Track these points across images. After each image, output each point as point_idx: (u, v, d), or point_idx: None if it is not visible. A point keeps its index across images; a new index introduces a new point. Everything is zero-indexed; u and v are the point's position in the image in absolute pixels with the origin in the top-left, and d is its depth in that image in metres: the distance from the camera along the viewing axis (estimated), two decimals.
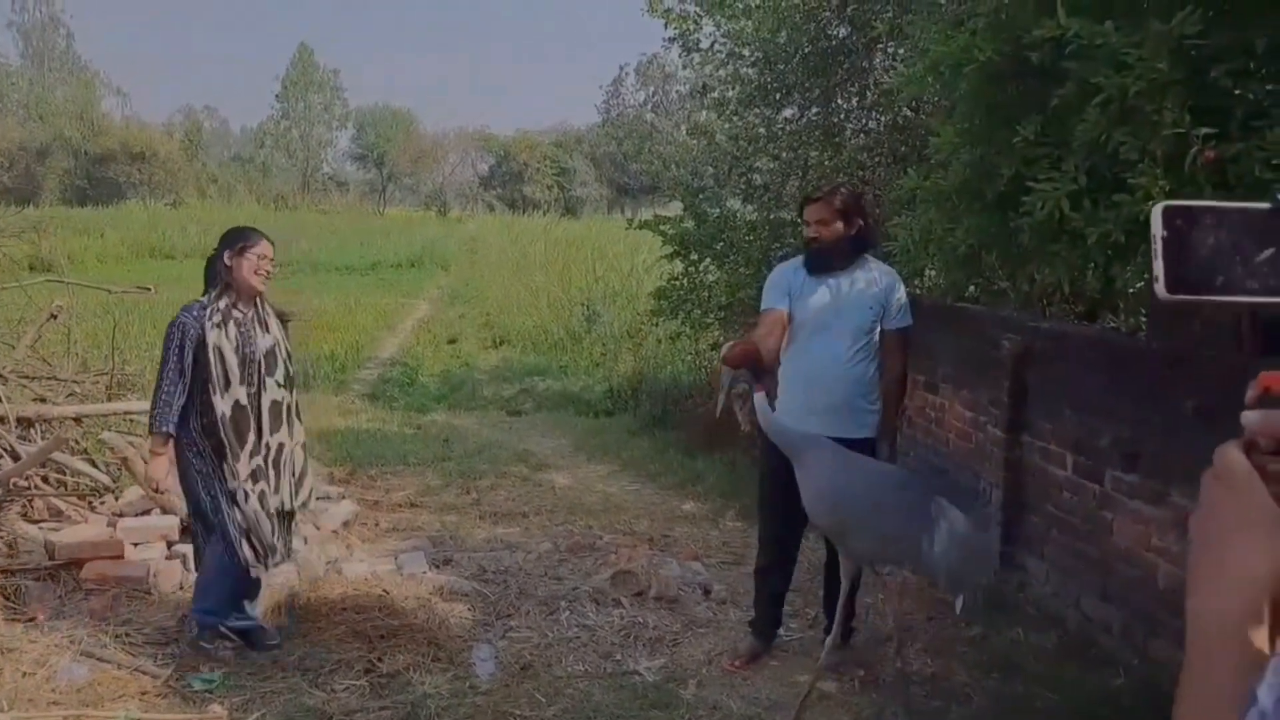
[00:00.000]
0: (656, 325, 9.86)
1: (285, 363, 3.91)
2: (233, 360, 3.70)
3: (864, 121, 6.92)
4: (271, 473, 3.82)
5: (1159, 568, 3.60)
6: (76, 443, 5.80)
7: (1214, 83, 2.56)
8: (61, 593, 4.40)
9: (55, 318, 7.10)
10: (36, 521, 4.97)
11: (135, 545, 4.76)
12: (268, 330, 3.87)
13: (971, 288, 5.27)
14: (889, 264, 4.14)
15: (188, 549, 4.80)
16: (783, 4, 6.51)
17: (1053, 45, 2.79)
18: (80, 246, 23.59)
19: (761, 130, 7.47)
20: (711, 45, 7.63)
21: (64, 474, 5.48)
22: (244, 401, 3.73)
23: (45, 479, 5.36)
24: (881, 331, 3.70)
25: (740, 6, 7.21)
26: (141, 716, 3.25)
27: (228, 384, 3.69)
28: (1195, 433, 3.34)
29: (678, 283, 8.14)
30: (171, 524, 4.91)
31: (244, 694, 3.60)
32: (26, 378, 6.45)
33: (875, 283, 3.68)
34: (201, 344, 3.66)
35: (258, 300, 3.89)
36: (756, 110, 7.40)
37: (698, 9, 7.51)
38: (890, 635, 3.61)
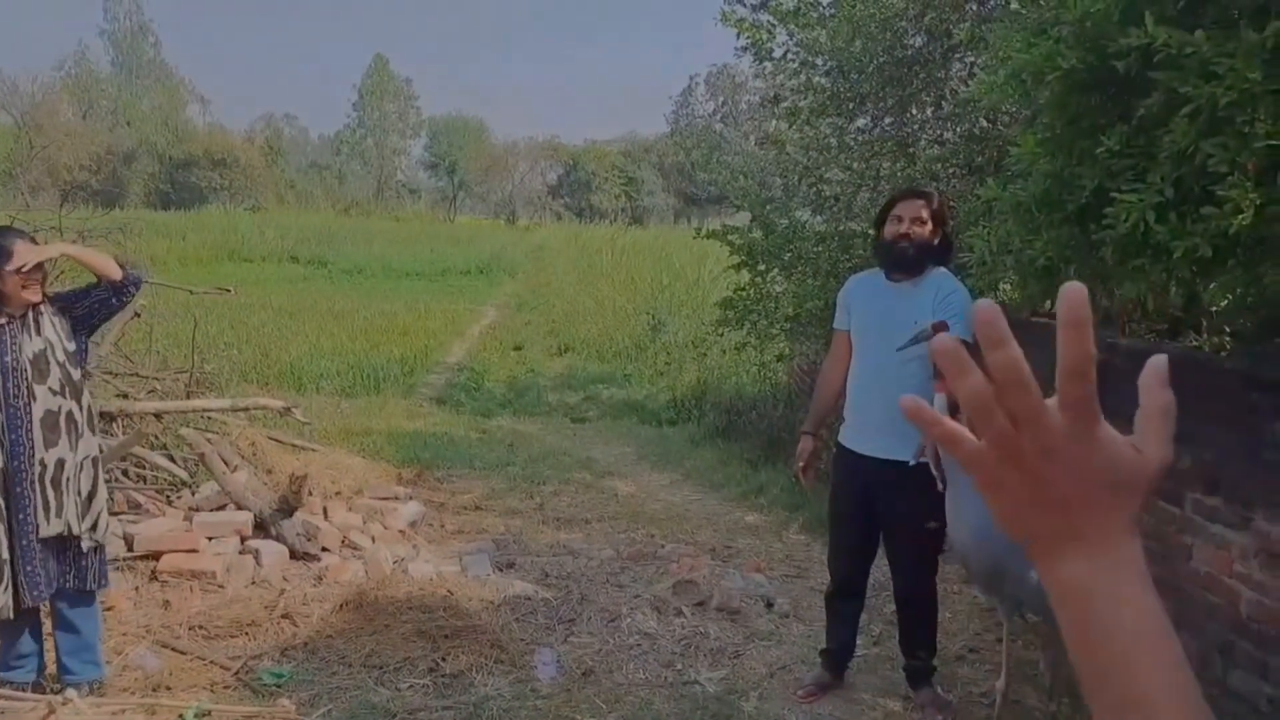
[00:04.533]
0: (721, 335, 9.81)
1: (64, 366, 3.38)
2: None
3: (939, 132, 6.81)
4: (50, 493, 3.32)
5: (1241, 595, 3.47)
6: (156, 438, 5.97)
7: None
8: (138, 583, 4.53)
9: (138, 316, 7.32)
10: (116, 513, 5.12)
11: (210, 539, 4.89)
12: (38, 332, 3.35)
13: (1049, 302, 5.15)
14: (963, 275, 4.05)
15: (260, 544, 4.92)
16: (858, 13, 6.45)
17: (1139, 54, 2.72)
18: (163, 249, 24.32)
19: (833, 140, 7.40)
20: (784, 55, 7.58)
21: (144, 468, 5.64)
22: None
23: (125, 472, 5.53)
24: None
25: (815, 16, 7.16)
26: (212, 707, 3.32)
27: None
28: None
29: (744, 293, 8.10)
30: (246, 519, 5.03)
31: (312, 688, 3.66)
32: (110, 374, 6.66)
33: (930, 295, 3.50)
34: None
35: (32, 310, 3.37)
36: (829, 120, 7.33)
37: (771, 19, 7.48)
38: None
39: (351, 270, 26.13)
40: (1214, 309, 4.41)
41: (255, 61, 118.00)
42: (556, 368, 15.13)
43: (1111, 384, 3.61)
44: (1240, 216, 2.54)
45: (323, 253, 27.77)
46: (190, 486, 5.57)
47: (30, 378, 3.28)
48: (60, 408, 3.35)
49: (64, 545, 3.44)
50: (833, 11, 7.05)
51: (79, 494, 3.44)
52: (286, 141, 63.78)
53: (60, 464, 3.35)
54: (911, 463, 3.38)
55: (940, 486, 3.30)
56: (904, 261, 3.54)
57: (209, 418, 6.48)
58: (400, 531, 5.74)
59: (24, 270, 3.24)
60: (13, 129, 42.24)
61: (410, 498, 6.43)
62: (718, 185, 13.18)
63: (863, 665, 4.01)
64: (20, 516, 3.30)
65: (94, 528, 3.52)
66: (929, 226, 3.50)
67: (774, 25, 7.47)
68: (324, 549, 5.11)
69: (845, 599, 3.79)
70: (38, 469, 3.30)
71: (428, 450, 8.46)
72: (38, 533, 3.32)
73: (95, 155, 47.15)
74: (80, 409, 3.44)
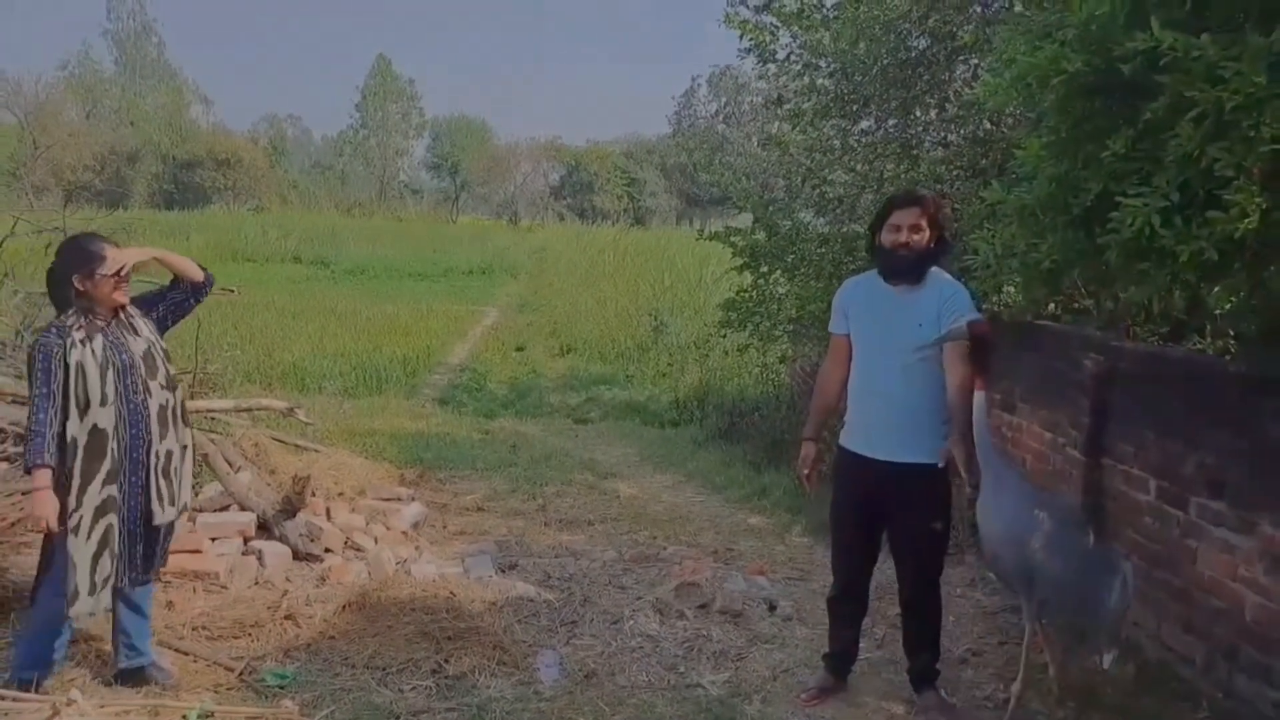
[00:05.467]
0: (724, 337, 9.83)
1: (164, 364, 3.57)
2: (95, 380, 3.33)
3: (943, 134, 6.80)
4: (162, 482, 3.50)
5: (1246, 599, 3.46)
6: None
7: None
8: None
9: None
10: None
11: (213, 540, 4.89)
12: (137, 332, 3.51)
13: (1053, 305, 5.14)
14: (967, 278, 4.04)
15: (263, 545, 4.92)
16: (862, 15, 6.45)
17: (1145, 58, 2.71)
18: (166, 248, 24.33)
19: (836, 142, 7.40)
20: (788, 56, 7.58)
21: None
22: (107, 425, 3.36)
23: None
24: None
25: (818, 18, 7.16)
26: (215, 708, 3.32)
27: (87, 406, 3.33)
28: None
29: (747, 295, 8.11)
30: (249, 520, 5.03)
31: (315, 690, 3.66)
32: None
33: (933, 297, 3.47)
34: (65, 365, 3.29)
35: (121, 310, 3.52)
36: (832, 122, 7.33)
37: (774, 20, 7.48)
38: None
39: (354, 271, 26.18)
40: (1218, 313, 4.41)
41: (259, 62, 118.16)
42: (558, 369, 15.15)
43: (1116, 390, 3.58)
44: (1246, 221, 2.53)
45: (325, 253, 27.81)
46: (194, 487, 5.56)
47: (144, 374, 3.46)
48: (167, 401, 3.55)
49: (158, 531, 3.60)
50: (836, 13, 7.06)
51: (184, 481, 3.65)
52: (290, 142, 63.90)
53: (169, 455, 3.54)
54: (941, 464, 3.39)
55: (969, 489, 3.31)
56: (903, 270, 3.52)
57: (212, 418, 6.48)
58: (403, 533, 5.75)
59: (121, 272, 3.41)
60: (17, 129, 42.37)
61: (413, 499, 6.43)
62: (720, 187, 13.19)
63: (866, 668, 4.00)
64: (131, 504, 3.46)
65: (186, 506, 3.78)
66: (926, 234, 3.47)
67: (777, 27, 7.48)
68: (327, 550, 5.11)
69: (848, 602, 3.78)
70: (154, 460, 3.49)
71: (430, 451, 8.47)
72: (152, 520, 3.51)
73: (99, 155, 47.24)
74: (177, 401, 3.62)
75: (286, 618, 4.27)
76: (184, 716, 3.20)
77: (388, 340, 14.96)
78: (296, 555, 4.97)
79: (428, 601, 4.44)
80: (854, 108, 6.99)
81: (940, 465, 3.44)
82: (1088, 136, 3.02)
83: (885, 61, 6.44)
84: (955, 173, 6.35)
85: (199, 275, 3.71)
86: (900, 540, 3.62)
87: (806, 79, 7.48)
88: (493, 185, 62.42)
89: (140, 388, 3.44)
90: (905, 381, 3.46)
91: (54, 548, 3.37)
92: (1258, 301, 3.82)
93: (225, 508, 5.20)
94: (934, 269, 3.54)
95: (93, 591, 3.36)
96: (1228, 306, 4.33)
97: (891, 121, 6.91)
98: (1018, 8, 4.49)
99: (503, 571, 5.15)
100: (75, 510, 3.30)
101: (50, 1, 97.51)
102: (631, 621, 4.47)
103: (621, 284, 20.56)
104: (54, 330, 3.35)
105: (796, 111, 7.62)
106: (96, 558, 3.36)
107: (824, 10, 7.31)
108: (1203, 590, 3.69)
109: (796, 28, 7.29)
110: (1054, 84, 2.98)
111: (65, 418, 3.30)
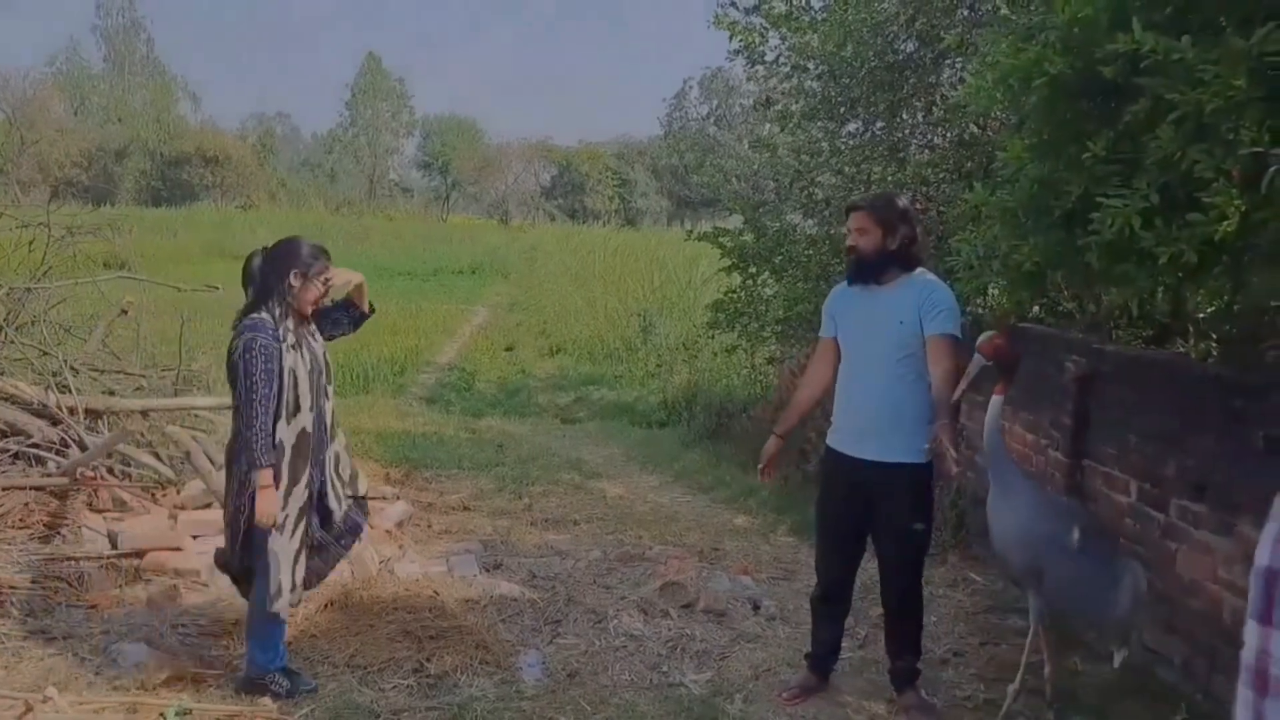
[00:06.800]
0: (712, 338, 9.84)
1: (330, 369, 3.76)
2: (304, 384, 3.48)
3: (929, 137, 6.83)
4: (337, 481, 3.72)
5: (1224, 601, 3.48)
6: (142, 436, 5.94)
7: None
8: (122, 581, 4.51)
9: (125, 313, 7.30)
10: (101, 511, 5.10)
11: (195, 538, 4.87)
12: (317, 340, 3.67)
13: (1036, 307, 5.16)
14: (951, 280, 4.04)
15: None
16: (849, 18, 6.46)
17: (1126, 60, 2.73)
18: (153, 246, 24.26)
19: (824, 144, 7.42)
20: (776, 58, 7.60)
21: (129, 466, 5.62)
22: (309, 427, 3.51)
23: (111, 470, 5.50)
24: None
25: (806, 20, 7.18)
26: (194, 706, 3.31)
27: (296, 410, 3.46)
28: (1265, 463, 3.23)
29: (735, 296, 8.12)
30: None
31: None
32: (97, 370, 6.64)
33: (913, 295, 3.47)
34: (280, 369, 3.41)
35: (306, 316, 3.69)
36: (820, 124, 7.35)
37: (763, 22, 7.50)
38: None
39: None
40: (1201, 315, 4.44)
41: (248, 59, 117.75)
42: (547, 368, 15.13)
43: (1098, 392, 3.59)
44: (1225, 223, 2.54)
45: None
46: (176, 485, 5.54)
47: (325, 380, 3.64)
48: (334, 407, 3.74)
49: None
50: (824, 16, 7.08)
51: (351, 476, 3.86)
52: (279, 139, 63.65)
53: (337, 457, 3.75)
54: (927, 448, 3.40)
55: (952, 473, 3.34)
56: (853, 271, 3.61)
57: (196, 415, 6.45)
58: (387, 531, 5.72)
59: (329, 283, 3.59)
60: (4, 125, 42.09)
61: (398, 497, 6.42)
62: (710, 188, 13.20)
63: (848, 668, 4.01)
64: (317, 504, 3.66)
65: (365, 495, 3.99)
66: (877, 234, 3.50)
67: (766, 29, 7.50)
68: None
69: (831, 602, 3.79)
70: (329, 461, 3.69)
71: (416, 450, 8.45)
72: (331, 519, 3.73)
73: (86, 152, 46.99)
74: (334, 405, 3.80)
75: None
76: (162, 714, 3.19)
77: (375, 339, 14.89)
78: None
79: (410, 600, 4.43)
80: (842, 110, 7.02)
81: (925, 463, 3.46)
82: (1069, 138, 3.03)
83: (873, 64, 6.46)
84: (941, 175, 6.37)
85: (365, 308, 3.88)
86: (883, 540, 3.63)
87: (795, 81, 7.51)
88: (484, 185, 62.33)
89: (323, 390, 3.62)
90: (889, 380, 3.49)
91: (255, 548, 3.48)
92: (1239, 304, 3.84)
93: (207, 505, 5.18)
94: (920, 271, 3.56)
95: (293, 589, 3.53)
96: (1210, 309, 4.36)
97: (879, 124, 6.93)
98: (1003, 11, 4.50)
99: (487, 571, 5.14)
100: (282, 510, 3.44)
101: None
102: (615, 621, 4.47)
103: (611, 284, 20.54)
104: (267, 331, 3.41)
105: (785, 113, 7.64)
106: (297, 555, 3.53)
107: (812, 13, 7.34)
108: (1183, 591, 3.71)
109: (785, 30, 7.31)
110: (1036, 86, 2.99)
111: (275, 420, 3.41)
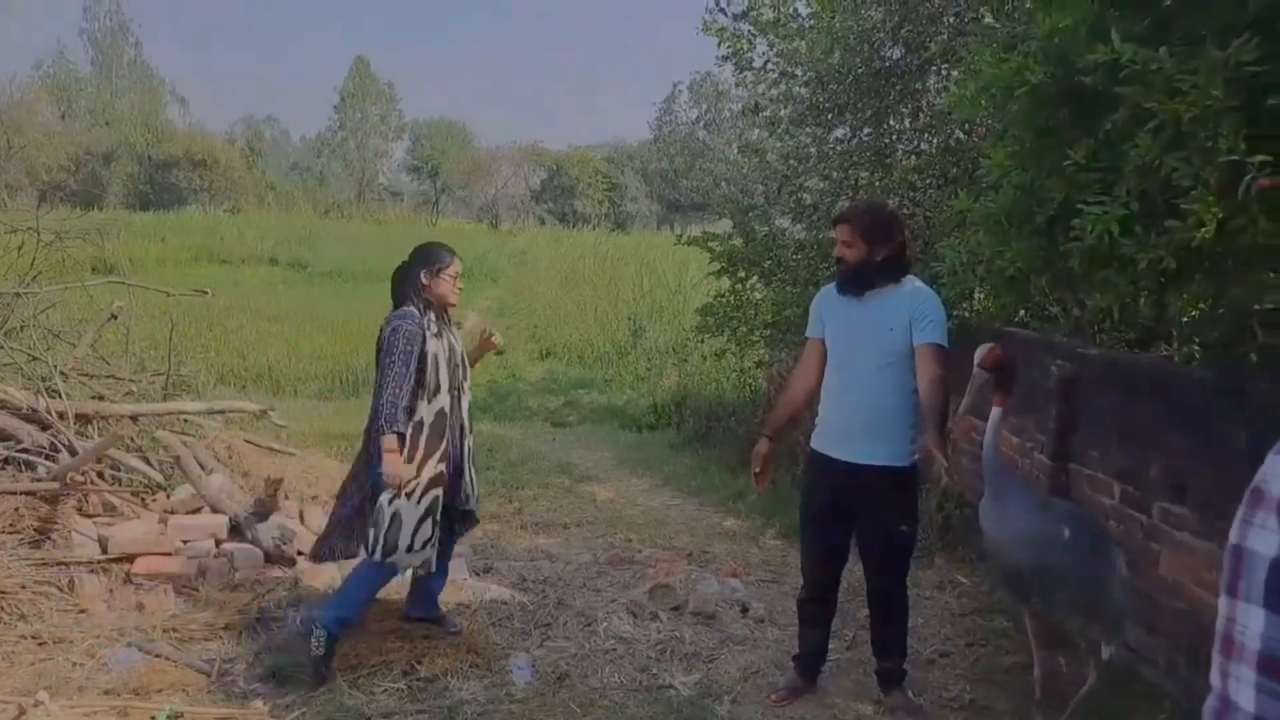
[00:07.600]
0: (702, 342, 9.87)
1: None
2: (444, 370, 3.91)
3: (915, 143, 6.89)
4: (470, 470, 4.11)
5: (1206, 602, 3.53)
6: (132, 440, 5.94)
7: (1271, 110, 2.53)
8: (112, 586, 4.52)
9: (115, 318, 7.30)
10: (91, 516, 5.10)
11: (185, 543, 4.87)
12: (456, 336, 4.11)
13: (1021, 312, 5.21)
14: (936, 285, 4.08)
15: (235, 547, 4.91)
16: (837, 25, 6.52)
17: (1106, 70, 2.78)
18: (142, 250, 24.16)
19: (812, 150, 7.47)
20: (764, 65, 7.65)
21: (119, 470, 5.61)
22: (446, 409, 3.92)
23: (101, 474, 5.49)
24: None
25: (794, 27, 7.24)
26: (185, 710, 3.32)
27: (436, 391, 3.89)
28: (1247, 465, 3.27)
29: (724, 300, 8.16)
30: (221, 523, 5.02)
31: (285, 692, 3.66)
32: (86, 375, 6.63)
33: (904, 303, 3.50)
34: (423, 353, 3.84)
35: (447, 310, 4.13)
36: (808, 130, 7.41)
37: (751, 29, 7.55)
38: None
39: (331, 273, 25.95)
40: (1183, 319, 4.49)
41: (236, 63, 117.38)
42: (537, 372, 15.13)
43: (1082, 396, 3.64)
44: (1203, 230, 2.59)
45: (303, 255, 27.56)
46: (165, 489, 5.54)
47: (463, 374, 4.06)
48: (470, 401, 4.13)
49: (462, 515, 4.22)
50: (812, 23, 7.13)
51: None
52: (267, 143, 63.37)
53: (471, 450, 4.15)
54: (914, 457, 3.45)
55: (945, 478, 3.37)
56: (841, 282, 3.64)
57: (185, 420, 6.45)
58: None
59: (457, 278, 4.08)
60: None
61: None
62: (700, 192, 13.25)
63: (835, 669, 4.04)
64: (450, 485, 4.00)
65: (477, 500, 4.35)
66: (858, 248, 3.53)
67: (754, 35, 7.55)
68: (299, 553, 5.10)
69: (817, 603, 3.82)
70: (465, 449, 4.08)
71: None
72: (463, 504, 4.13)
73: (74, 155, 46.70)
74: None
75: (258, 620, 4.26)
76: (153, 718, 3.20)
77: (365, 343, 14.86)
78: (269, 558, 4.96)
79: (401, 603, 4.44)
80: (829, 116, 7.07)
81: (910, 466, 3.50)
82: (1051, 146, 3.08)
83: (859, 71, 6.51)
84: (927, 181, 6.42)
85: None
86: (868, 542, 3.66)
87: (783, 87, 7.56)
88: (473, 188, 62.15)
89: (460, 383, 4.02)
90: (876, 385, 3.51)
91: (378, 508, 3.82)
92: (1223, 309, 3.89)
93: (197, 510, 5.18)
94: (909, 279, 3.59)
95: (410, 550, 3.85)
96: (1193, 314, 4.41)
97: (865, 130, 6.98)
98: (987, 19, 4.55)
99: (477, 574, 5.16)
100: (414, 479, 3.81)
101: (26, 1, 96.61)
102: (605, 624, 4.49)
103: (601, 288, 20.55)
104: (413, 320, 3.87)
105: (773, 119, 7.69)
106: (420, 521, 3.86)
107: (800, 19, 7.39)
108: (1165, 592, 3.76)
109: (773, 36, 7.37)
110: (1018, 94, 3.04)
111: (415, 399, 3.83)
